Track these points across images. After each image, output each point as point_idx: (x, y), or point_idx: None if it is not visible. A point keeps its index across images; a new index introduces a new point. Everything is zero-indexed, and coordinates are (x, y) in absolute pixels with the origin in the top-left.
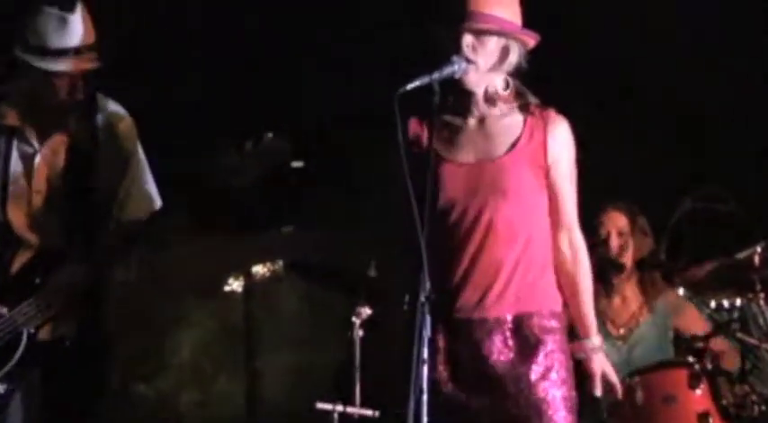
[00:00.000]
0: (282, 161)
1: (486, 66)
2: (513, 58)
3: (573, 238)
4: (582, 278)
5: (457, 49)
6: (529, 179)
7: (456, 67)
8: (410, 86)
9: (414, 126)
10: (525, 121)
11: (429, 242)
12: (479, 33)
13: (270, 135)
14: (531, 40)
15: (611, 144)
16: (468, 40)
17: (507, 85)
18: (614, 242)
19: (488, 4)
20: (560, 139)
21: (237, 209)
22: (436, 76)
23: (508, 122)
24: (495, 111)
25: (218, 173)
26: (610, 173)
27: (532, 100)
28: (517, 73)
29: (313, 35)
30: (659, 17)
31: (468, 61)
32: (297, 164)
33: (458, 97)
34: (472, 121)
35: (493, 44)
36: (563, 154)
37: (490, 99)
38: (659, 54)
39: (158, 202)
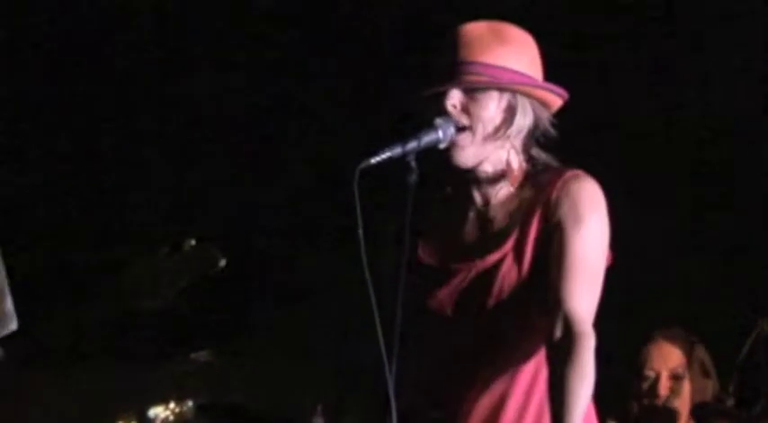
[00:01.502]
0: (209, 273)
1: (483, 132)
2: (523, 120)
3: (572, 326)
4: (571, 375)
5: (440, 109)
6: (530, 277)
7: (440, 134)
8: (376, 159)
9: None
10: (535, 195)
11: (405, 374)
12: (470, 88)
13: (192, 241)
14: (554, 96)
15: (658, 237)
16: (454, 97)
17: (521, 161)
18: (664, 388)
19: (485, 50)
20: (572, 197)
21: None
22: (412, 145)
23: (515, 205)
24: (503, 193)
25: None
26: (657, 281)
27: (551, 164)
28: (538, 142)
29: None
30: None
31: (459, 126)
32: (221, 263)
33: (448, 176)
34: (470, 209)
35: (492, 103)
36: (573, 213)
37: (493, 179)
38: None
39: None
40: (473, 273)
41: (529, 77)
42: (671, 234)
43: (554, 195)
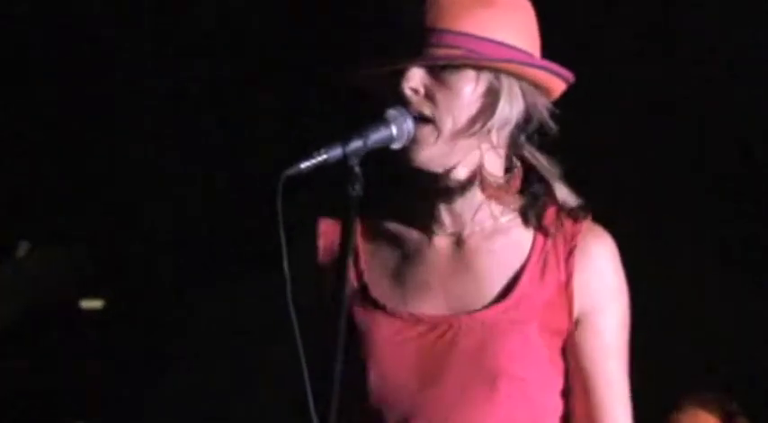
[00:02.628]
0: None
1: (454, 126)
2: (509, 108)
3: None
4: None
5: (396, 94)
6: (538, 352)
7: (393, 130)
8: (307, 164)
9: (328, 234)
10: (535, 239)
11: None
12: (437, 65)
13: (26, 244)
14: (554, 78)
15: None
16: (415, 77)
17: (508, 168)
18: None
19: (459, 13)
20: (600, 276)
21: None
22: (356, 146)
23: (504, 242)
24: (483, 213)
25: None
26: (687, 337)
27: (556, 195)
28: (533, 142)
29: None
30: None
31: (420, 117)
32: (91, 303)
33: (405, 186)
34: (439, 239)
35: (467, 86)
36: (604, 302)
37: (468, 191)
38: None
39: None
40: (454, 329)
41: (519, 52)
42: (700, 282)
43: (576, 271)
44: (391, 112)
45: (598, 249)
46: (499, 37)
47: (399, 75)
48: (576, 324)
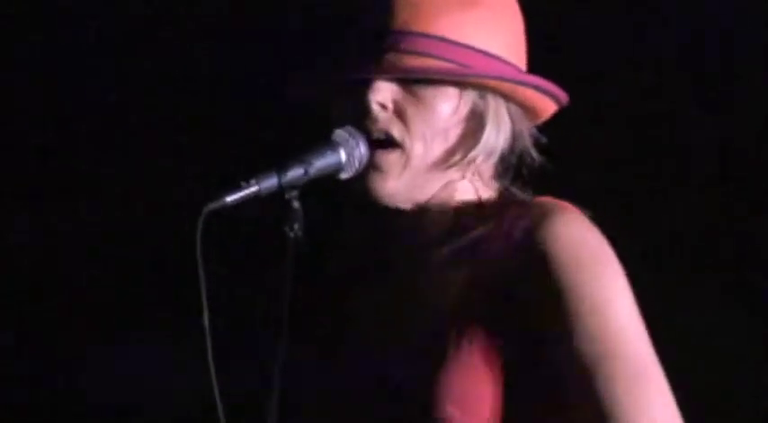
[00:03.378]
0: None
1: (427, 154)
2: (496, 136)
3: None
4: None
5: (361, 111)
6: (478, 352)
7: (342, 156)
8: (234, 197)
9: None
10: (491, 231)
11: None
12: (411, 78)
13: None
14: (546, 99)
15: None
16: (383, 91)
17: (488, 197)
18: None
19: (438, 15)
20: (561, 243)
21: None
22: (295, 174)
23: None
24: (454, 244)
25: None
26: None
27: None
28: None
29: None
30: None
31: (385, 141)
32: None
33: (363, 222)
34: (397, 275)
35: (446, 105)
36: (570, 274)
37: (438, 233)
38: None
39: None
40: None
41: (509, 66)
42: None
43: (529, 240)
44: (340, 133)
45: (559, 217)
46: (486, 46)
47: (363, 87)
48: (530, 303)
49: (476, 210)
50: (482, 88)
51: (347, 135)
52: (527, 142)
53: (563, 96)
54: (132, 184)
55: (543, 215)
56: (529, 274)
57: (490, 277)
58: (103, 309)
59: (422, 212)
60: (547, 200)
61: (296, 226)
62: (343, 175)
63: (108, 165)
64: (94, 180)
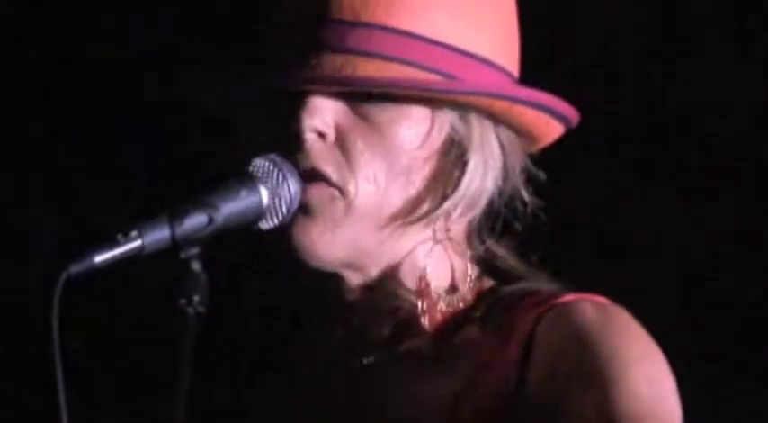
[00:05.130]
0: None
1: (384, 205)
2: (483, 178)
3: None
4: None
5: (285, 139)
6: None
7: (264, 196)
8: (102, 257)
9: None
10: (488, 335)
11: None
12: (358, 90)
13: None
14: (554, 122)
15: None
16: (322, 109)
17: (463, 273)
18: None
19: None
20: (584, 331)
21: None
22: (194, 223)
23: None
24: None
25: None
26: None
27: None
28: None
29: None
30: None
31: (311, 176)
32: None
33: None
34: (333, 363)
35: (409, 130)
36: (595, 358)
37: (390, 305)
38: None
39: None
40: None
41: (499, 73)
42: None
43: (539, 331)
44: (260, 164)
45: (574, 313)
46: (470, 45)
47: (293, 104)
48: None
49: (450, 292)
50: (465, 107)
51: (271, 166)
52: (518, 181)
53: (573, 115)
54: None
55: (565, 316)
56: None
57: (493, 395)
58: None
59: (373, 287)
60: (570, 299)
61: (195, 298)
62: (264, 225)
63: None
64: None
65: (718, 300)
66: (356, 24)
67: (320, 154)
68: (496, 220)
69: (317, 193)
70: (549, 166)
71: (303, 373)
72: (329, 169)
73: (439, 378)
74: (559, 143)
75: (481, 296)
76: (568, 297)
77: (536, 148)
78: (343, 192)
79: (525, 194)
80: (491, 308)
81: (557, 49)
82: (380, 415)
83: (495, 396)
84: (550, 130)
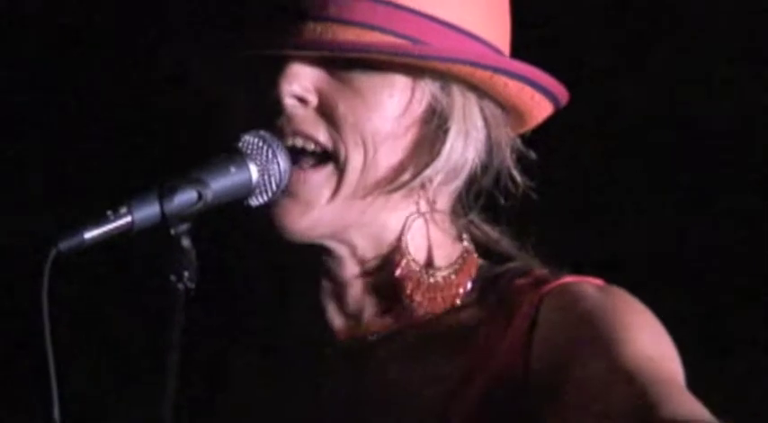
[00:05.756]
0: None
1: (369, 170)
2: (464, 148)
3: None
4: None
5: (266, 107)
6: None
7: (253, 172)
8: (92, 234)
9: None
10: (485, 317)
11: None
12: (338, 58)
13: None
14: (542, 97)
15: None
16: (302, 76)
17: (445, 248)
18: None
19: None
20: (586, 308)
21: None
22: (184, 199)
23: (435, 342)
24: (401, 316)
25: None
26: None
27: (521, 264)
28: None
29: None
30: None
31: (308, 150)
32: None
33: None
34: (328, 351)
35: (391, 98)
36: (593, 328)
37: (376, 281)
38: None
39: None
40: None
41: (487, 47)
42: None
43: (541, 312)
44: (249, 140)
45: (584, 293)
46: (454, 17)
47: (272, 71)
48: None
49: (430, 266)
50: (446, 77)
51: (260, 142)
52: (506, 160)
53: (561, 94)
54: None
55: (566, 295)
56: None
57: (495, 382)
58: None
59: (359, 260)
60: (569, 281)
61: (185, 273)
62: (254, 202)
63: None
64: None
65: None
66: None
67: (304, 119)
68: (481, 196)
69: (307, 172)
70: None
71: (289, 352)
72: (318, 133)
73: (432, 363)
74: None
75: (469, 274)
76: (567, 278)
77: (526, 128)
78: (334, 159)
79: (515, 173)
80: (483, 289)
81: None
82: (371, 399)
83: (497, 383)
84: (536, 106)
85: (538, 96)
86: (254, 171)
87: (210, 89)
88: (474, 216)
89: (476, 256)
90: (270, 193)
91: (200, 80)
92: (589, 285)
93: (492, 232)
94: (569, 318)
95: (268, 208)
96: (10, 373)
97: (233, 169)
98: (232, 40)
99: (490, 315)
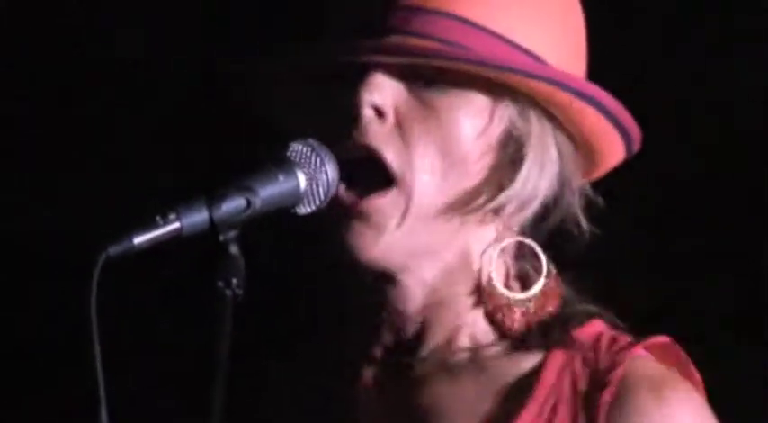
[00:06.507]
0: None
1: (439, 194)
2: (538, 177)
3: None
4: None
5: (335, 119)
6: None
7: (301, 181)
8: (141, 239)
9: None
10: (545, 367)
11: None
12: (422, 71)
13: None
14: (617, 136)
15: None
16: (382, 87)
17: (519, 279)
18: None
19: None
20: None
21: None
22: (232, 206)
23: (493, 375)
24: (462, 343)
25: None
26: None
27: (584, 310)
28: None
29: None
30: None
31: (360, 165)
32: None
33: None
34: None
35: (469, 119)
36: None
37: (441, 315)
38: None
39: None
40: None
41: (568, 76)
42: None
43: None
44: (297, 149)
45: (643, 401)
46: (533, 44)
47: (351, 80)
48: None
49: (509, 296)
50: (524, 102)
51: (308, 151)
52: (573, 198)
53: (635, 134)
54: None
55: (638, 389)
56: None
57: None
58: None
59: (427, 289)
60: (641, 357)
61: (234, 281)
62: (301, 210)
63: None
64: None
65: None
66: (422, 10)
67: (378, 135)
68: (548, 233)
69: (375, 204)
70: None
71: (346, 378)
72: (389, 154)
73: (501, 400)
74: None
75: (547, 308)
76: (637, 350)
77: (596, 172)
78: (400, 184)
79: (581, 217)
80: (556, 330)
81: None
82: None
83: None
84: (609, 144)
85: (612, 133)
86: (302, 179)
87: (270, 97)
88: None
89: (559, 290)
90: (317, 202)
91: (265, 88)
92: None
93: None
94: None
95: (337, 228)
96: (58, 376)
97: (281, 177)
98: (311, 49)
99: (567, 364)
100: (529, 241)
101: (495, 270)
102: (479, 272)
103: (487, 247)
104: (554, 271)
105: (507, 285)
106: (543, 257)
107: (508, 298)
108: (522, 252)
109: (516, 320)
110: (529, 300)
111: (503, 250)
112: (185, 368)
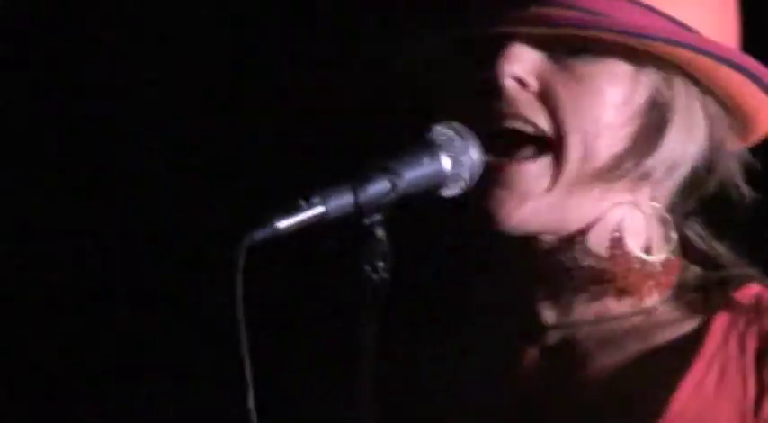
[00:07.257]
0: None
1: (588, 160)
2: (684, 143)
3: None
4: None
5: (477, 95)
6: None
7: (445, 163)
8: (286, 223)
9: None
10: (706, 332)
11: None
12: (563, 41)
13: None
14: (760, 94)
15: None
16: (523, 58)
17: (661, 244)
18: None
19: None
20: None
21: None
22: (377, 190)
23: (645, 345)
24: (613, 307)
25: None
26: None
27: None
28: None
29: None
30: None
31: (512, 139)
32: None
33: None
34: (533, 349)
35: (613, 87)
36: None
37: (591, 274)
38: None
39: None
40: None
41: (711, 43)
42: None
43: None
44: (440, 131)
45: None
46: (682, 14)
47: (491, 53)
48: None
49: (644, 259)
50: (667, 68)
51: (452, 133)
52: (730, 168)
53: None
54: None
55: None
56: None
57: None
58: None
59: (564, 248)
60: None
61: (380, 264)
62: (446, 192)
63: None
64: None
65: None
66: None
67: (524, 103)
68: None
69: (527, 168)
70: None
71: (483, 345)
72: (538, 118)
73: (666, 362)
74: None
75: (682, 278)
76: None
77: (752, 136)
78: (555, 149)
79: (741, 183)
80: (716, 293)
81: None
82: (581, 396)
83: (728, 405)
84: (759, 106)
85: (760, 94)
86: (446, 162)
87: (410, 76)
88: (694, 220)
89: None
90: (463, 184)
91: (404, 66)
92: None
93: (710, 238)
94: None
95: (479, 199)
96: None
97: (426, 160)
98: (446, 22)
99: (728, 324)
100: (664, 211)
101: (629, 234)
102: (624, 239)
103: (628, 211)
104: (697, 238)
105: (649, 252)
106: (674, 230)
107: (653, 264)
108: (665, 220)
109: (663, 285)
110: (648, 263)
111: (647, 214)
112: (332, 355)
